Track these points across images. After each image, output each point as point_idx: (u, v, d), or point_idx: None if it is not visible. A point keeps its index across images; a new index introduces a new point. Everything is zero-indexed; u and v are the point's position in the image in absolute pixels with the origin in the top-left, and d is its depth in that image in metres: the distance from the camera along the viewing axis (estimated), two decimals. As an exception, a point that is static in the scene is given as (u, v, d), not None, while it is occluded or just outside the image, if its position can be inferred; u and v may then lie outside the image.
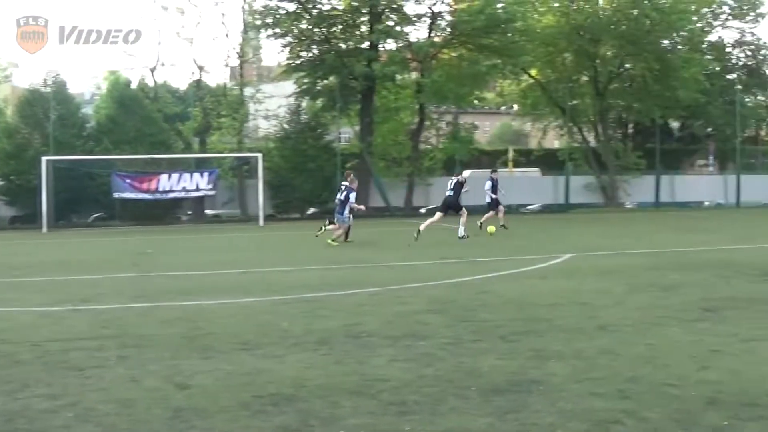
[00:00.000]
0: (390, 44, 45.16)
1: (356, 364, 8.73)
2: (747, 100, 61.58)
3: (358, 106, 46.17)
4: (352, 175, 27.59)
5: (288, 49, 45.30)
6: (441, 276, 16.40)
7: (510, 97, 56.58)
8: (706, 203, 51.55)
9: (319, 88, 46.08)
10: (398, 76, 44.90)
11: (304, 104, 46.45)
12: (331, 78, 44.91)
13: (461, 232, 26.23)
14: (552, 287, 14.65)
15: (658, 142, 52.42)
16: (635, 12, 46.55)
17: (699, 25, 53.78)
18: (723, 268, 17.38)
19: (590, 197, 48.81)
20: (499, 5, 43.46)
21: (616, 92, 51.65)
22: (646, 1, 46.42)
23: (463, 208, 26.53)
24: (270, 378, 8.19)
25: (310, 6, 43.59)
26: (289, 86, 46.83)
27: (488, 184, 30.09)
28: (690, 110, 54.22)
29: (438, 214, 27.09)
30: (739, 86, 58.26)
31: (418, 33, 46.02)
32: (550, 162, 53.52)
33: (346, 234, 26.00)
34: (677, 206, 49.44)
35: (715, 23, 58.54)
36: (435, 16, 44.93)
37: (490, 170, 32.03)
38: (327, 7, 44.19)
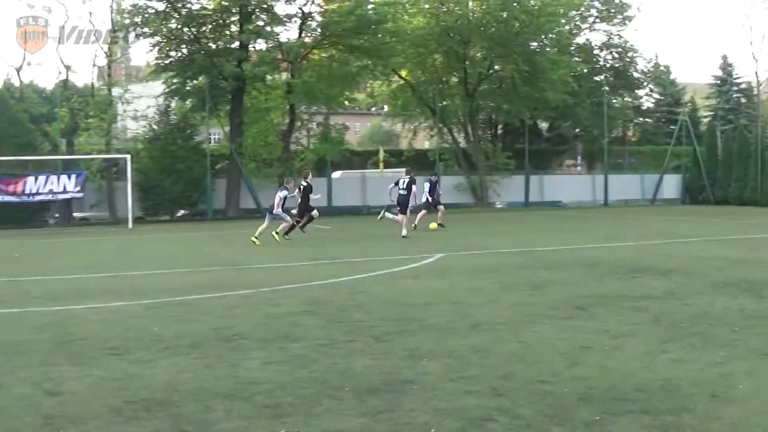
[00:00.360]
0: (260, 44, 44.88)
1: (229, 367, 8.63)
2: (614, 101, 63.00)
3: (228, 107, 45.76)
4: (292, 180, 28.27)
5: (157, 48, 44.65)
6: (314, 277, 16.35)
7: (380, 97, 56.74)
8: (565, 202, 52.37)
9: (188, 88, 45.49)
10: (268, 77, 44.57)
11: (173, 105, 45.82)
12: (201, 78, 44.39)
13: (404, 231, 27.10)
14: (425, 287, 14.74)
15: (527, 143, 53.22)
16: (504, 14, 47.15)
17: (567, 27, 54.78)
18: (592, 266, 17.73)
19: (461, 197, 49.25)
20: (370, 6, 43.55)
21: (485, 93, 52.23)
22: (515, 4, 47.03)
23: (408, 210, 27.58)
24: (142, 383, 8.04)
25: (180, 5, 43.04)
26: (158, 86, 46.14)
27: (427, 186, 30.33)
28: (558, 111, 55.18)
29: (401, 216, 27.75)
30: (607, 88, 59.57)
31: (288, 33, 45.87)
32: (420, 162, 53.78)
33: (288, 231, 26.19)
34: (546, 206, 50.27)
35: (583, 26, 59.75)
36: (305, 17, 44.81)
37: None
38: (197, 7, 43.70)
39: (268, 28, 43.77)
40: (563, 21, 52.53)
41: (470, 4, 48.90)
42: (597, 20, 60.23)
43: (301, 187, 27.64)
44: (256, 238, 25.17)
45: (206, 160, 42.91)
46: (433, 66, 50.78)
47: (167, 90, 45.20)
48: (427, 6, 48.85)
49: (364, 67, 46.23)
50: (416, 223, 28.94)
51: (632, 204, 53.65)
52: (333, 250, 22.89)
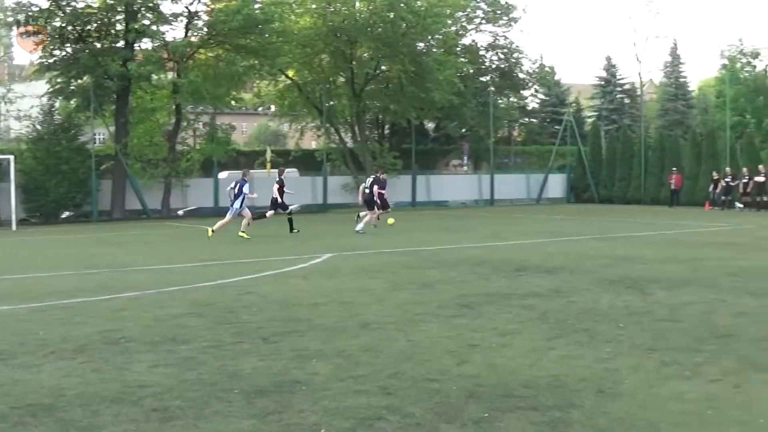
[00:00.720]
0: (146, 44, 44.27)
1: (116, 371, 8.48)
2: (500, 101, 63.78)
3: (113, 107, 44.99)
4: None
5: (41, 47, 43.69)
6: (202, 278, 16.18)
7: (267, 97, 56.39)
8: (452, 202, 52.75)
9: (73, 87, 44.55)
10: (154, 76, 43.96)
11: (57, 104, 44.87)
12: (86, 77, 43.52)
13: (360, 226, 28.32)
14: (313, 287, 14.70)
15: (413, 143, 53.52)
16: (391, 14, 47.25)
17: (453, 28, 55.23)
18: (479, 264, 17.90)
19: (348, 197, 49.21)
20: (257, 6, 43.28)
21: (372, 93, 52.34)
22: (402, 4, 47.17)
23: (375, 207, 29.53)
24: (27, 388, 7.86)
25: (64, 3, 42.19)
26: (42, 86, 45.17)
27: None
28: (445, 111, 55.62)
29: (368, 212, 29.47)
30: (492, 88, 60.21)
31: (174, 32, 45.37)
32: (308, 163, 53.82)
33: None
34: (433, 205, 50.62)
35: (470, 27, 60.31)
36: (192, 16, 44.31)
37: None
38: (81, 5, 42.87)
39: (154, 27, 43.16)
40: (449, 22, 52.95)
41: (357, 4, 48.90)
42: (483, 21, 60.89)
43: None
44: (243, 232, 26.07)
45: (91, 160, 42.14)
46: (320, 66, 50.72)
47: (51, 89, 44.22)
48: (314, 6, 48.72)
49: (251, 67, 45.86)
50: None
51: (518, 203, 54.35)
52: (221, 250, 22.68)
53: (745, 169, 42.56)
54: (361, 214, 29.73)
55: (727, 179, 42.94)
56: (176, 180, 44.29)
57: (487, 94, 58.50)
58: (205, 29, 44.84)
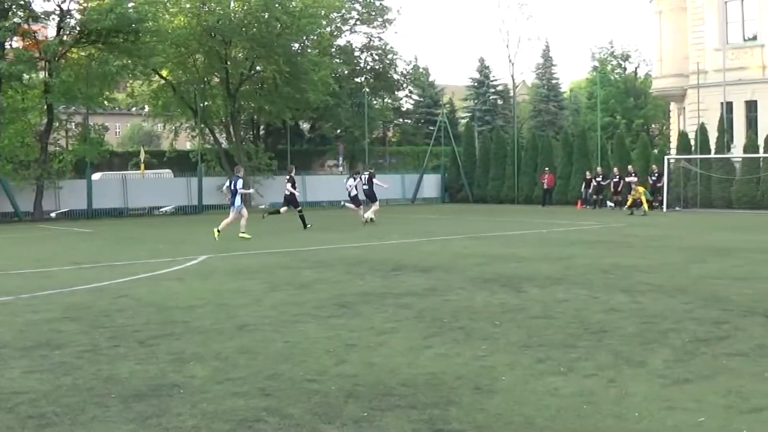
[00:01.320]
0: (17, 42, 43.20)
1: (-13, 377, 8.28)
2: (375, 102, 64.04)
3: (-18, 107, 43.85)
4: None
5: None
6: (77, 282, 15.88)
7: (141, 98, 55.55)
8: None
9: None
10: (25, 76, 42.97)
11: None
12: (-47, 77, 42.37)
13: (369, 214, 31.90)
14: (189, 289, 14.56)
15: (288, 144, 53.45)
16: (266, 15, 47.05)
17: (328, 29, 55.26)
18: (356, 264, 17.97)
19: (224, 199, 48.72)
20: (130, 5, 42.61)
21: (247, 94, 52.04)
22: (276, 5, 47.02)
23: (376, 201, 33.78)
24: None
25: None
26: None
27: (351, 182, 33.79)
28: (320, 112, 55.70)
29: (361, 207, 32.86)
30: (367, 89, 60.45)
31: (46, 31, 44.33)
32: (182, 163, 53.23)
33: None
34: (309, 206, 50.52)
35: (344, 28, 60.49)
36: (64, 15, 43.42)
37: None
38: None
39: (26, 25, 42.17)
40: (324, 23, 52.97)
41: (232, 4, 48.58)
42: (358, 22, 61.15)
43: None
44: (243, 233, 25.96)
45: (-40, 162, 41.01)
46: (195, 66, 50.23)
47: None
48: (188, 5, 48.22)
49: (124, 67, 45.11)
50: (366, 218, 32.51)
51: (393, 203, 54.60)
52: (95, 253, 22.30)
53: (615, 169, 43.51)
54: (367, 214, 32.33)
55: (597, 179, 43.87)
56: (48, 182, 43.32)
57: (361, 94, 58.73)
58: (78, 28, 43.95)
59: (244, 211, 26.66)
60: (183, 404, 7.17)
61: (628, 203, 38.59)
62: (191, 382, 7.91)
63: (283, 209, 31.34)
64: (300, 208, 31.13)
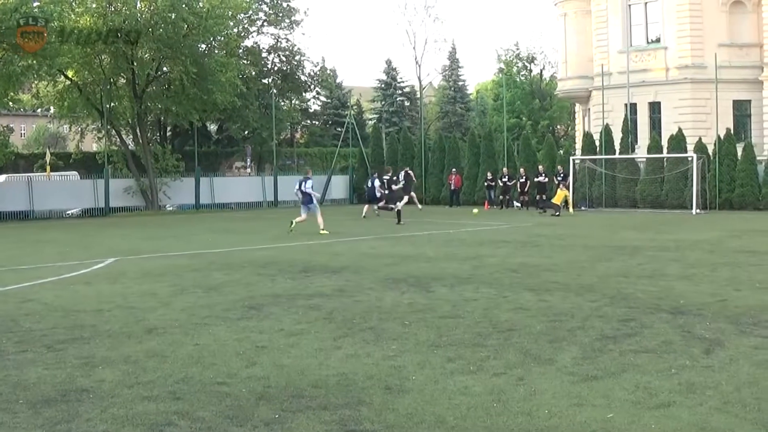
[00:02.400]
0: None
1: None
2: (282, 103, 63.82)
3: None
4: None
5: None
6: (-23, 286, 15.58)
7: (47, 98, 54.52)
8: (236, 204, 52.10)
9: None
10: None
11: None
12: None
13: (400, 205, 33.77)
14: (97, 292, 14.39)
15: (196, 145, 52.99)
16: (173, 15, 46.58)
17: (236, 30, 54.87)
18: (264, 266, 17.93)
19: (131, 201, 48.19)
20: (35, 4, 41.91)
21: (154, 95, 51.37)
22: (183, 5, 46.59)
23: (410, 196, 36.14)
24: None
25: None
26: None
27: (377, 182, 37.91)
28: (227, 113, 55.24)
29: (405, 199, 34.78)
30: (275, 90, 60.18)
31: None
32: (89, 165, 52.40)
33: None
34: (218, 208, 50.20)
35: (252, 29, 60.10)
36: (-33, 13, 42.55)
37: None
38: None
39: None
40: (231, 24, 52.58)
41: (138, 4, 48.02)
42: (265, 23, 60.84)
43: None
44: (323, 230, 27.28)
45: None
46: (101, 66, 49.47)
47: None
48: (94, 5, 47.49)
49: (29, 67, 44.32)
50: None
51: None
52: (-3, 257, 21.89)
53: (521, 170, 43.97)
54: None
55: (504, 179, 44.27)
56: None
57: (269, 96, 58.47)
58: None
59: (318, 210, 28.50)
60: (93, 409, 7.11)
61: (555, 201, 38.89)
62: (101, 387, 7.84)
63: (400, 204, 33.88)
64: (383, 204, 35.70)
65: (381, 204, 36.85)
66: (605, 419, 6.69)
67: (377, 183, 37.44)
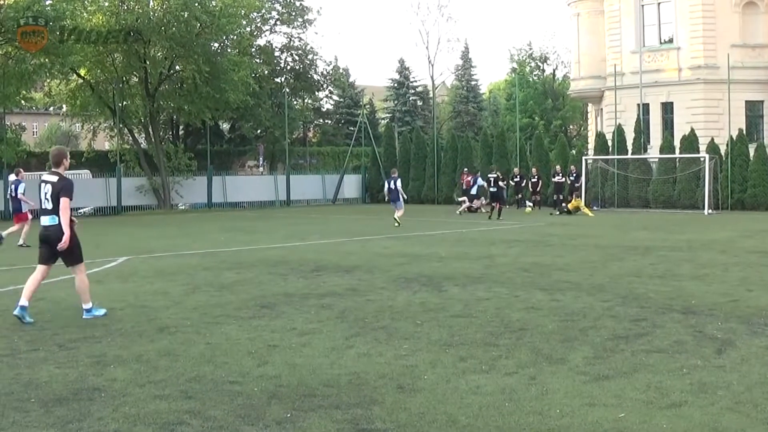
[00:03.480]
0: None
1: None
2: (295, 102, 63.86)
3: None
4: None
5: None
6: (-9, 284, 15.62)
7: (59, 97, 54.64)
8: (248, 203, 51.97)
9: None
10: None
11: None
12: None
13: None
14: (109, 291, 14.40)
15: (208, 144, 53.08)
16: (185, 14, 46.64)
17: (248, 29, 54.94)
18: (277, 265, 17.93)
19: (143, 199, 48.34)
20: (47, 2, 42.00)
21: (166, 94, 51.45)
22: (196, 4, 46.62)
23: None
24: None
25: None
26: None
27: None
28: (239, 112, 55.29)
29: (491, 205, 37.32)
30: (287, 89, 60.24)
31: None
32: (101, 164, 52.51)
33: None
34: (230, 207, 50.27)
35: (264, 28, 60.21)
36: (-22, 12, 42.63)
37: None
38: None
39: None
40: (244, 22, 52.66)
41: (151, 3, 48.08)
42: (278, 22, 60.93)
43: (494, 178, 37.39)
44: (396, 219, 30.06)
45: None
46: (113, 65, 49.57)
47: None
48: (107, 4, 47.60)
49: (42, 65, 44.45)
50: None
51: (314, 204, 54.54)
52: (10, 256, 21.91)
53: (534, 169, 43.96)
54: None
55: (516, 179, 44.21)
56: (-39, 183, 42.51)
57: (282, 95, 58.53)
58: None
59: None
60: (104, 408, 7.11)
61: (570, 206, 38.93)
62: (112, 386, 7.85)
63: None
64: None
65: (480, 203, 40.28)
66: (617, 419, 6.67)
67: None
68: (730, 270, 16.29)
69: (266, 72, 57.99)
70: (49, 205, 11.33)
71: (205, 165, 50.87)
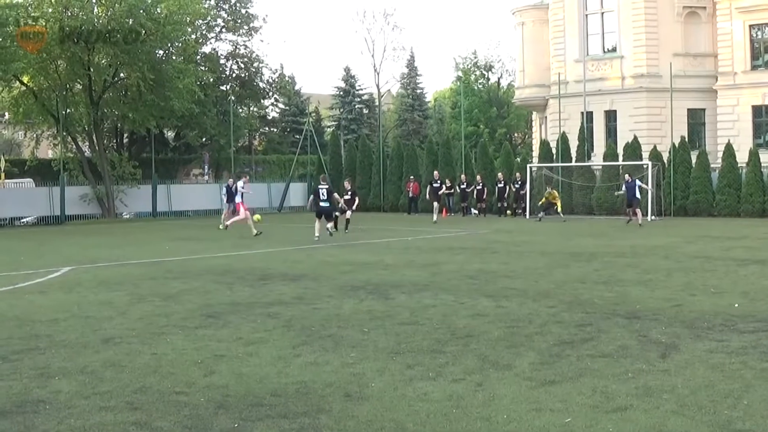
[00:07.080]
0: None
1: None
2: (240, 111, 63.63)
3: None
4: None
5: None
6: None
7: (1, 104, 54.05)
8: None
9: None
10: None
11: None
12: None
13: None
14: (52, 302, 14.25)
15: (153, 152, 52.70)
16: (130, 21, 46.34)
17: (194, 36, 54.63)
18: (222, 274, 17.86)
19: (87, 208, 47.84)
20: (-7, 8, 41.52)
21: (110, 101, 50.99)
22: (141, 11, 46.33)
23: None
24: None
25: None
26: None
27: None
28: (185, 120, 54.95)
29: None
30: (233, 97, 60.00)
31: None
32: (44, 172, 51.95)
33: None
34: (175, 215, 49.94)
35: (210, 35, 59.88)
36: None
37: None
38: None
39: None
40: (189, 30, 52.37)
41: (95, 9, 47.68)
42: (223, 30, 60.65)
43: None
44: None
45: None
46: (57, 72, 49.07)
47: None
48: (50, 10, 47.13)
49: (-16, 73, 43.95)
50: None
51: (259, 212, 54.25)
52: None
53: (478, 177, 44.18)
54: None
55: (462, 186, 44.39)
56: None
57: (227, 102, 58.30)
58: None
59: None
60: (49, 420, 7.05)
61: (541, 203, 39.41)
62: (57, 398, 7.78)
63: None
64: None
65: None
66: (563, 423, 6.73)
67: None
68: (673, 275, 16.49)
69: (211, 80, 57.69)
70: None
71: (149, 173, 50.48)
